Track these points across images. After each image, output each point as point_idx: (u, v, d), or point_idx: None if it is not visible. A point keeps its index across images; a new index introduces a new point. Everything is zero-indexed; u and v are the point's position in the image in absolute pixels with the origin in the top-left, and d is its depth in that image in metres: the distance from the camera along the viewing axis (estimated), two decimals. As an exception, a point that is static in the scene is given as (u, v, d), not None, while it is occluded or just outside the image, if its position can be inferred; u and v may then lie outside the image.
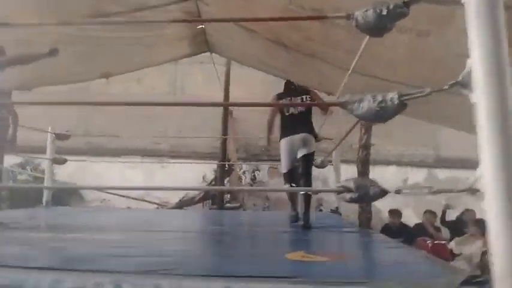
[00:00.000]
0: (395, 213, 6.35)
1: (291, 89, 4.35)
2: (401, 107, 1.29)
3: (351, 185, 1.33)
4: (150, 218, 4.22)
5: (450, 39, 3.24)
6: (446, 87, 1.18)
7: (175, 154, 8.48)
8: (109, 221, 3.81)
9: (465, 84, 1.11)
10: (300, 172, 3.95)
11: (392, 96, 1.28)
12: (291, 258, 1.71)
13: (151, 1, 4.41)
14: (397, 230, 6.01)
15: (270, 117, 4.28)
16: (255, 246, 2.41)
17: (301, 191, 3.68)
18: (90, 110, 8.38)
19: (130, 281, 1.08)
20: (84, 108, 8.44)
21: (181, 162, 7.14)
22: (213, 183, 7.29)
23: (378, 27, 1.39)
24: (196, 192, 7.13)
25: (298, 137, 4.01)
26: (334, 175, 4.84)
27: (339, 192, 1.38)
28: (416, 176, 8.56)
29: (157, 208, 7.49)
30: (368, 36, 3.71)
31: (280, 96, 4.27)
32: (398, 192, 1.29)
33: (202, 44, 5.46)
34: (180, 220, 4.14)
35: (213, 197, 6.96)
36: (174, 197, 8.22)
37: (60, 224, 3.12)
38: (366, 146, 6.39)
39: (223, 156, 7.23)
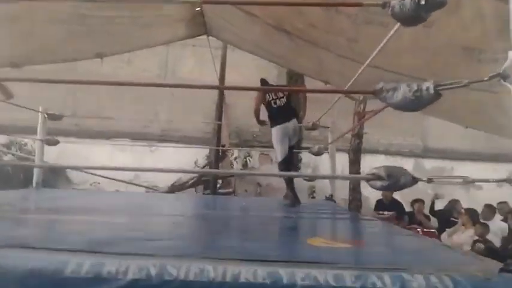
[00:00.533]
0: None
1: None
2: (436, 96, 1.30)
3: (382, 173, 1.35)
4: (149, 201, 4.19)
5: (455, 30, 3.30)
6: (486, 78, 1.20)
7: (166, 138, 8.39)
8: (109, 203, 3.76)
9: (506, 76, 1.13)
10: (293, 157, 4.18)
11: (428, 85, 1.29)
12: (313, 244, 1.73)
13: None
14: (389, 204, 6.35)
15: (256, 107, 4.48)
16: (272, 232, 2.42)
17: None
18: (78, 91, 8.16)
19: (174, 264, 1.07)
20: (72, 89, 8.22)
21: (172, 147, 7.07)
22: (207, 168, 7.26)
23: (414, 17, 1.39)
24: (189, 177, 7.10)
25: (290, 124, 4.34)
26: (330, 162, 4.89)
27: (368, 179, 1.40)
28: (404, 165, 8.69)
29: (147, 192, 7.44)
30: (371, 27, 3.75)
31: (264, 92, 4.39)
32: (430, 181, 1.32)
33: (199, 26, 5.34)
34: (181, 204, 4.12)
35: (206, 182, 6.94)
36: (163, 182, 8.18)
37: (62, 206, 3.06)
38: (358, 135, 6.49)
39: (218, 141, 7.20)
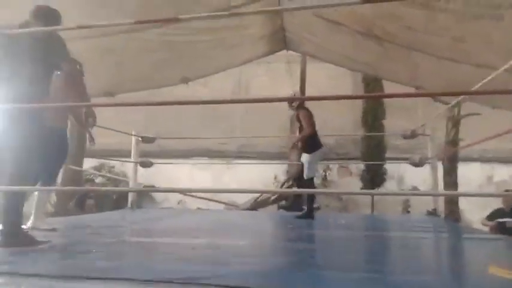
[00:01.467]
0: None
1: None
2: None
3: None
4: (242, 221, 4.16)
5: None
6: None
7: (243, 154, 8.45)
8: (208, 224, 3.79)
9: None
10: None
11: None
12: (501, 275, 1.46)
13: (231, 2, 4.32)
14: (510, 211, 5.55)
15: (312, 131, 4.29)
16: (427, 258, 2.16)
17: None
18: (158, 114, 8.58)
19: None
20: (153, 112, 8.67)
21: (248, 163, 7.06)
22: (286, 184, 7.11)
23: None
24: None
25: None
26: (432, 174, 4.46)
27: None
28: (502, 172, 7.83)
29: (228, 209, 7.48)
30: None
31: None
32: None
33: (279, 42, 5.31)
34: (281, 224, 4.01)
35: (287, 199, 6.77)
36: (241, 198, 8.20)
37: (163, 227, 3.14)
38: (454, 142, 5.94)
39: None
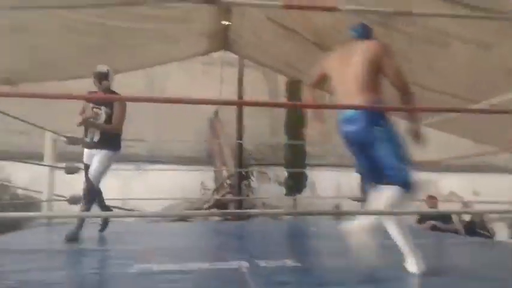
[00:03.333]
0: None
1: None
2: None
3: None
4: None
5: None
6: None
7: (154, 159, 7.76)
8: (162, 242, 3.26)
9: None
10: None
11: None
12: None
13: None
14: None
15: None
16: None
17: None
18: (51, 109, 7.23)
19: None
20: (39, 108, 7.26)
21: (176, 170, 6.50)
22: (219, 189, 6.76)
23: None
24: (201, 201, 6.51)
25: None
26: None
27: None
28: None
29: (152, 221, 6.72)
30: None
31: None
32: None
33: (219, 42, 5.04)
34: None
35: (223, 206, 6.41)
36: (152, 207, 7.52)
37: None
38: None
39: (239, 160, 6.75)
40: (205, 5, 4.18)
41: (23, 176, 7.70)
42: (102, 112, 3.40)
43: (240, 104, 6.71)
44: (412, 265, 1.89)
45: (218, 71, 7.64)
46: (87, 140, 3.36)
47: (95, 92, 3.48)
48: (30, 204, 6.63)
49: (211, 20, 4.51)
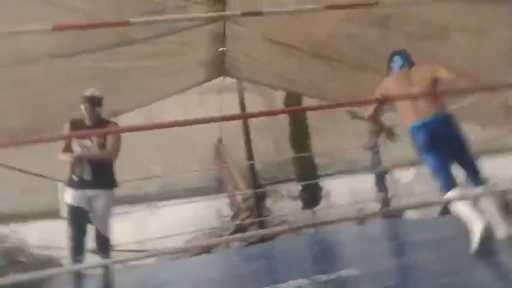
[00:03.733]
0: None
1: None
2: None
3: None
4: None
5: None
6: None
7: (164, 196, 7.66)
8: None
9: None
10: None
11: None
12: None
13: (181, 25, 3.98)
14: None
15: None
16: None
17: None
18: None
19: None
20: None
21: (190, 202, 6.40)
22: (238, 214, 6.62)
23: None
24: (221, 229, 6.37)
25: None
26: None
27: None
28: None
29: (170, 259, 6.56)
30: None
31: None
32: None
33: (217, 68, 5.09)
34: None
35: (243, 230, 6.27)
36: (171, 244, 7.37)
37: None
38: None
39: (254, 180, 6.65)
40: (201, 34, 4.25)
41: (37, 236, 7.56)
42: (94, 144, 2.88)
43: (245, 117, 6.69)
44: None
45: (214, 99, 7.67)
46: (75, 177, 2.81)
47: (80, 120, 2.93)
48: (48, 263, 6.44)
49: (208, 48, 4.56)
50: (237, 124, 7.62)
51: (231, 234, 6.03)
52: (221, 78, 5.45)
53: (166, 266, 4.88)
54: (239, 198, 6.41)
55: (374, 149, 5.09)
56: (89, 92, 2.97)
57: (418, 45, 3.70)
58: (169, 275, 3.70)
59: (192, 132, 7.20)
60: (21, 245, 7.00)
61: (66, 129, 2.93)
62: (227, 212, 7.34)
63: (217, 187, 7.73)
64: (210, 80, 5.31)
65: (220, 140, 7.88)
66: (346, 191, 7.39)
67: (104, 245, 2.88)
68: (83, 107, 2.91)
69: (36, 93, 3.81)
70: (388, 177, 5.88)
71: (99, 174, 2.85)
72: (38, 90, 3.80)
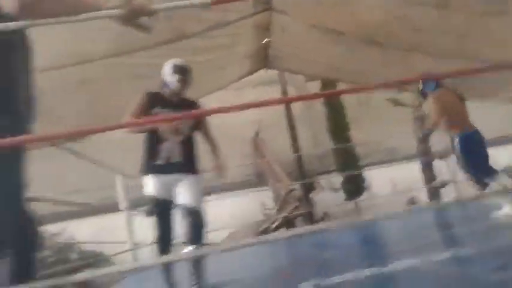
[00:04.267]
0: None
1: None
2: None
3: None
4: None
5: None
6: None
7: (209, 190, 7.75)
8: None
9: None
10: None
11: None
12: None
13: (227, 17, 4.03)
14: None
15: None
16: None
17: None
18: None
19: None
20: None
21: (236, 196, 6.46)
22: (284, 206, 6.61)
23: None
24: (269, 221, 6.41)
25: None
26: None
27: None
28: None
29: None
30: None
31: None
32: None
33: (261, 60, 5.12)
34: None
35: (290, 223, 6.28)
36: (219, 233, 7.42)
37: None
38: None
39: (301, 172, 6.69)
40: (248, 26, 4.29)
41: (86, 233, 7.83)
42: (185, 126, 2.38)
43: (289, 100, 6.70)
44: None
45: (251, 94, 7.70)
46: (159, 162, 2.31)
47: (157, 93, 2.50)
48: (100, 260, 6.59)
49: (253, 40, 4.60)
50: (274, 117, 7.63)
51: (277, 226, 6.04)
52: (257, 73, 5.48)
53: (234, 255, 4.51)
54: (282, 190, 6.42)
55: (425, 138, 5.00)
56: (179, 61, 2.51)
57: (479, 22, 3.61)
58: (243, 261, 3.60)
59: (230, 127, 7.28)
60: (72, 241, 7.25)
61: (145, 100, 2.42)
62: (271, 204, 7.36)
63: (256, 181, 7.76)
64: (253, 73, 5.35)
65: (257, 134, 7.90)
66: (386, 180, 7.29)
67: (197, 227, 2.29)
68: (176, 78, 2.43)
69: (98, 92, 3.95)
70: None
71: (192, 157, 2.40)
72: (100, 88, 3.93)
